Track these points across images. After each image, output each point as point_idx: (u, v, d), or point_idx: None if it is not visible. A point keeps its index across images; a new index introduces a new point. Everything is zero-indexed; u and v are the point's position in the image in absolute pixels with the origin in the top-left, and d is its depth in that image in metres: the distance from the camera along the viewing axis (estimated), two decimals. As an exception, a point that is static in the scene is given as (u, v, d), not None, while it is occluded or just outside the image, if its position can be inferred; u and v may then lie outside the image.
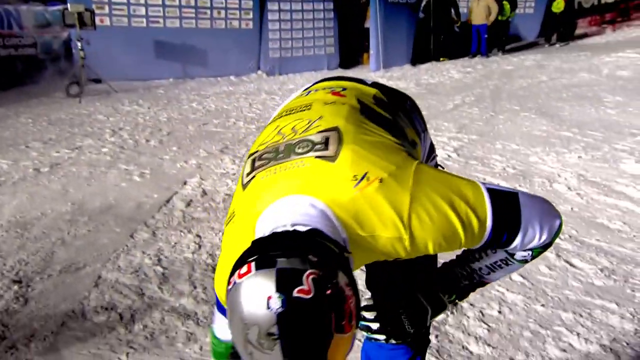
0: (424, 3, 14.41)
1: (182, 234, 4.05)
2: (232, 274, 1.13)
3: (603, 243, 3.82)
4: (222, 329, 1.63)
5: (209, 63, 11.96)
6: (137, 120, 7.94)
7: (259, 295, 1.04)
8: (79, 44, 9.62)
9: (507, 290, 3.21)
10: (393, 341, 1.65)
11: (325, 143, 1.38)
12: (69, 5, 9.75)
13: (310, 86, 1.87)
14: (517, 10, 16.15)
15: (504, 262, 1.61)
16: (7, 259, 3.68)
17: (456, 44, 15.00)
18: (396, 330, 1.62)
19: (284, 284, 1.04)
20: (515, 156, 5.76)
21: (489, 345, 2.71)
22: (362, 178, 1.29)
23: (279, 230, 1.19)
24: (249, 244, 1.26)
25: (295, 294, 1.02)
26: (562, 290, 3.23)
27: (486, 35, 14.61)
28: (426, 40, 14.47)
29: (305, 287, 1.04)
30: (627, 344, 2.74)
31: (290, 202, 1.27)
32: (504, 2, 15.36)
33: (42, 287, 3.28)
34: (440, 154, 5.88)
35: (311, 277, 1.05)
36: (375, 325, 1.63)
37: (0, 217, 4.39)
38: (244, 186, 1.42)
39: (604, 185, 4.82)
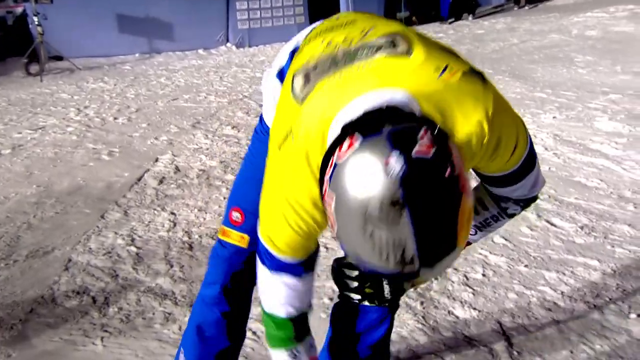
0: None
1: (155, 212, 3.91)
2: (326, 161, 1.04)
3: (581, 201, 3.81)
4: (275, 300, 1.52)
5: (176, 36, 11.60)
6: (103, 97, 7.64)
7: (373, 163, 0.91)
8: (35, 19, 9.22)
9: (490, 252, 3.18)
10: (367, 303, 1.53)
11: (392, 43, 1.22)
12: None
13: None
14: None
15: (494, 218, 1.58)
16: (-31, 246, 3.52)
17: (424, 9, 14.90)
18: (375, 294, 1.49)
19: (400, 145, 0.92)
20: (491, 119, 5.69)
21: (474, 309, 2.68)
22: (445, 69, 1.17)
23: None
24: (319, 155, 1.16)
25: (414, 154, 0.91)
26: (544, 250, 3.22)
27: (450, 0, 14.47)
28: (397, 5, 14.27)
29: (422, 145, 0.93)
30: (610, 299, 2.73)
31: (368, 98, 1.11)
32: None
33: (8, 274, 3.14)
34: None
35: (426, 134, 0.95)
36: (354, 284, 1.48)
37: (-39, 203, 4.18)
38: (301, 100, 1.25)
39: (580, 144, 4.80)
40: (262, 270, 1.52)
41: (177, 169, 4.77)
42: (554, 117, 5.55)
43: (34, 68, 9.33)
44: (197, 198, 4.14)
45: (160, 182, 4.49)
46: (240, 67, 10.00)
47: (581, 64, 7.94)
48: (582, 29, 10.66)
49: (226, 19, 12.23)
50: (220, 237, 1.89)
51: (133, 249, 3.40)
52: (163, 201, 4.11)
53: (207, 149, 5.31)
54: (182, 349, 2.04)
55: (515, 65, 8.33)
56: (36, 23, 9.24)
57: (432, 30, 13.49)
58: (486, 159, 1.33)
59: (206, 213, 3.88)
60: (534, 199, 1.54)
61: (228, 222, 1.85)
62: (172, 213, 3.88)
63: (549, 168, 4.32)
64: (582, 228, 3.44)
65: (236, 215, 1.83)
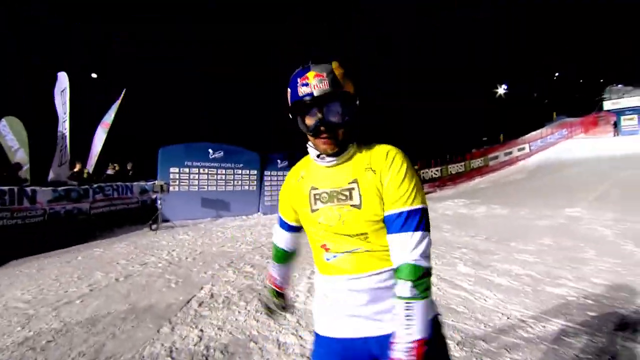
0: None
1: (190, 328, 3.15)
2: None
3: (455, 322, 3.21)
4: (277, 238, 1.51)
5: (231, 208, 11.31)
6: (184, 244, 7.00)
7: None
8: (159, 201, 9.04)
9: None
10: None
11: None
12: (156, 181, 9.37)
13: None
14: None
15: (407, 308, 1.10)
16: (73, 350, 2.79)
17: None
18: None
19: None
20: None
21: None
22: None
23: None
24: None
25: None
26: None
27: None
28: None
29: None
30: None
31: None
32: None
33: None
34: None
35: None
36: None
37: (84, 314, 3.46)
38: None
39: (450, 281, 4.26)
40: (275, 226, 1.51)
41: (212, 296, 3.96)
42: (435, 263, 5.05)
43: (154, 226, 8.84)
44: (219, 319, 3.34)
45: (200, 305, 3.71)
46: (263, 226, 9.50)
47: (445, 230, 7.62)
48: (443, 210, 10.55)
49: (259, 199, 12.07)
50: None
51: (169, 359, 2.66)
52: (197, 320, 3.33)
53: (233, 281, 4.53)
54: None
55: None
56: (159, 203, 9.00)
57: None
58: (388, 182, 1.15)
59: (222, 331, 3.09)
60: (419, 271, 1.08)
61: None
62: (201, 330, 3.10)
63: (436, 298, 3.74)
64: (457, 344, 2.82)
65: None
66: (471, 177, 18.81)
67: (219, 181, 11.33)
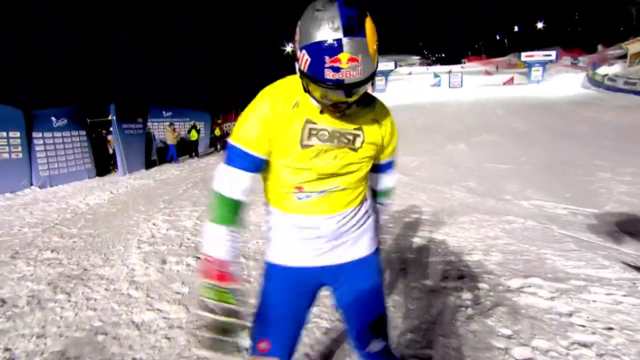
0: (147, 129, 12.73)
1: (-14, 356, 2.25)
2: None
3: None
4: (228, 185, 1.13)
5: (-18, 187, 8.06)
6: None
7: None
8: None
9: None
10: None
11: None
12: None
13: None
14: (201, 135, 15.90)
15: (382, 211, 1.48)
16: None
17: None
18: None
19: None
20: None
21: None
22: None
23: None
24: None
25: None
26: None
27: (175, 150, 13.40)
28: (149, 153, 12.73)
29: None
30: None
31: None
32: (193, 131, 14.78)
33: None
34: (188, 225, 5.03)
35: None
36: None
37: None
38: None
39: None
40: (222, 166, 1.15)
41: (4, 302, 2.89)
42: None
43: None
44: (32, 325, 2.53)
45: (-13, 320, 2.63)
46: (46, 202, 7.35)
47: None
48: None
49: (29, 169, 9.10)
50: None
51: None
52: (-6, 338, 2.40)
53: (32, 275, 3.46)
54: None
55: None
56: None
57: (175, 167, 12.40)
58: (390, 139, 1.27)
59: (46, 338, 2.38)
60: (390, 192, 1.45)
61: (255, 351, 1.19)
62: (7, 349, 2.27)
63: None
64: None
65: (263, 346, 1.18)
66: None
67: (-49, 149, 7.71)
